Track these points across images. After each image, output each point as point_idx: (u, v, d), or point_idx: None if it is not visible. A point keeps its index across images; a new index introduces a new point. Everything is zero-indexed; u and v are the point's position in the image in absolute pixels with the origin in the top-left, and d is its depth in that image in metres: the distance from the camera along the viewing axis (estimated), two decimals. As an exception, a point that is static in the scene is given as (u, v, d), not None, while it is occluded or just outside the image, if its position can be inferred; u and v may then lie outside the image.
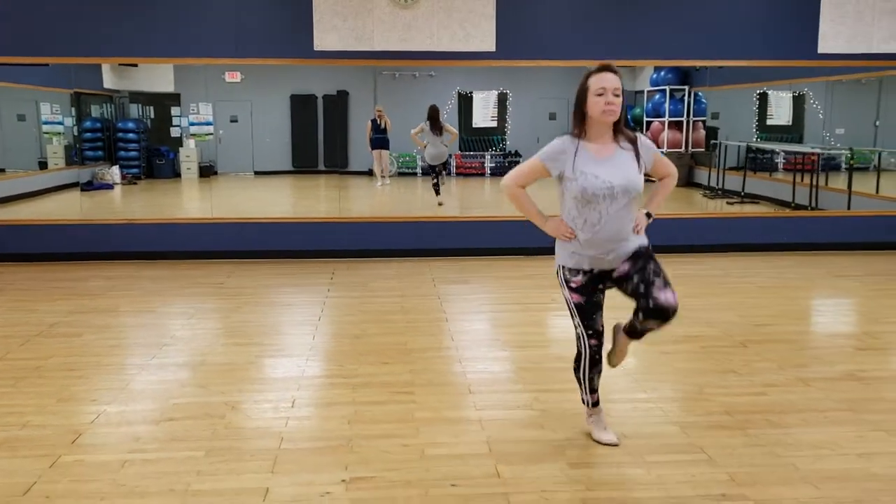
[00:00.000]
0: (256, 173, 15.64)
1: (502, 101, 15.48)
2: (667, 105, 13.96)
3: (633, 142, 3.29)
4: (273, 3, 8.02)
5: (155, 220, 8.52)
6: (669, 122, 13.89)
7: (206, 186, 14.75)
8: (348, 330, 5.54)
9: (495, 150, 15.54)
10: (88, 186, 13.65)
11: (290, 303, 6.50)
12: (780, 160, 11.59)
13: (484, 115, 15.53)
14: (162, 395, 4.18)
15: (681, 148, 13.75)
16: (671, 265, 7.64)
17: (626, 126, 3.32)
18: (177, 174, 15.37)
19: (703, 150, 13.62)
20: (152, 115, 16.00)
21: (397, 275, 7.44)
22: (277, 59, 8.11)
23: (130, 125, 15.41)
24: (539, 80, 14.09)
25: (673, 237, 8.53)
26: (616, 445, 3.53)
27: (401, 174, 13.37)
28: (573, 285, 3.38)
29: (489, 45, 8.12)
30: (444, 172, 11.89)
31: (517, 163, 16.23)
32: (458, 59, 8.16)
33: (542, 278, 7.22)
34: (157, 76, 15.11)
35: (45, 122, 13.75)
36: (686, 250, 8.50)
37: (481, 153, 15.28)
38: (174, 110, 15.71)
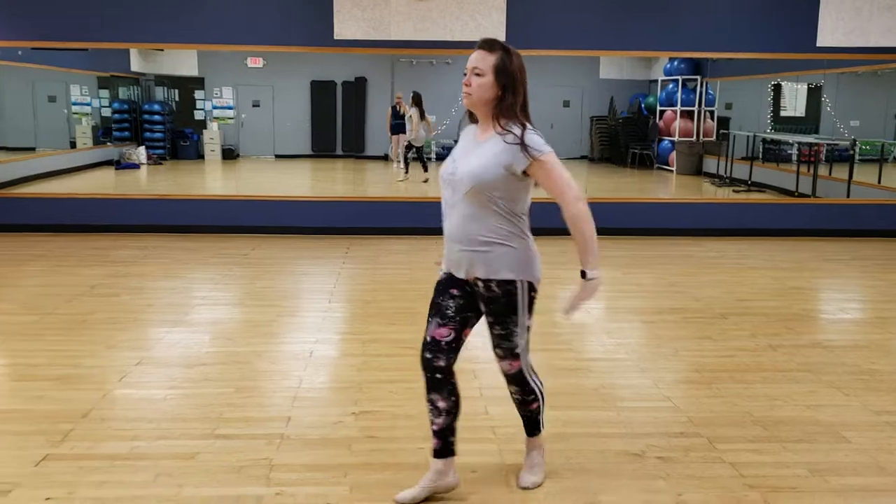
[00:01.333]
0: (277, 156, 16.14)
1: (517, 88, 15.87)
2: (679, 94, 14.34)
3: (517, 135, 2.68)
4: (296, -6, 8.52)
5: (182, 196, 9.09)
6: (682, 112, 14.27)
7: (229, 168, 15.29)
8: (360, 296, 6.07)
9: (510, 138, 15.95)
10: (116, 166, 14.25)
11: (308, 272, 7.04)
12: (793, 151, 11.92)
13: (498, 102, 15.84)
14: (194, 345, 4.72)
15: (692, 137, 14.14)
16: (672, 247, 8.18)
17: (523, 115, 2.73)
18: (200, 156, 15.90)
19: (712, 139, 14.00)
20: (177, 98, 16.52)
21: (407, 250, 7.96)
22: (298, 47, 8.62)
23: (156, 107, 15.92)
24: (553, 68, 14.43)
25: (676, 221, 9.05)
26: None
27: (415, 159, 13.87)
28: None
29: (500, 34, 8.57)
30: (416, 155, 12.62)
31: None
32: (470, 48, 8.60)
33: (547, 256, 7.68)
34: (182, 60, 15.60)
35: (75, 104, 14.34)
36: (688, 233, 8.97)
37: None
38: (198, 94, 16.24)
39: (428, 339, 2.87)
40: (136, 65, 15.33)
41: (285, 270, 7.06)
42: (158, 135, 15.73)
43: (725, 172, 12.57)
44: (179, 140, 16.05)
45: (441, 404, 2.89)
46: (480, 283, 2.80)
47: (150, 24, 8.40)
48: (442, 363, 2.85)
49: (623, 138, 15.59)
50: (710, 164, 13.41)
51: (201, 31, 8.45)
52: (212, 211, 8.85)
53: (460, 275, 2.84)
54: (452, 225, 2.81)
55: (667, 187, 13.72)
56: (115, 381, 4.05)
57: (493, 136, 2.72)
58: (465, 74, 2.72)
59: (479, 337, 4.80)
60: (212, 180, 14.52)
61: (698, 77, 14.03)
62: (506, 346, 2.87)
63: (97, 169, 13.88)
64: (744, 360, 4.66)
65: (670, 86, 14.58)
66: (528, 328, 2.90)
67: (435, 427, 2.91)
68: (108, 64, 14.79)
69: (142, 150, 14.86)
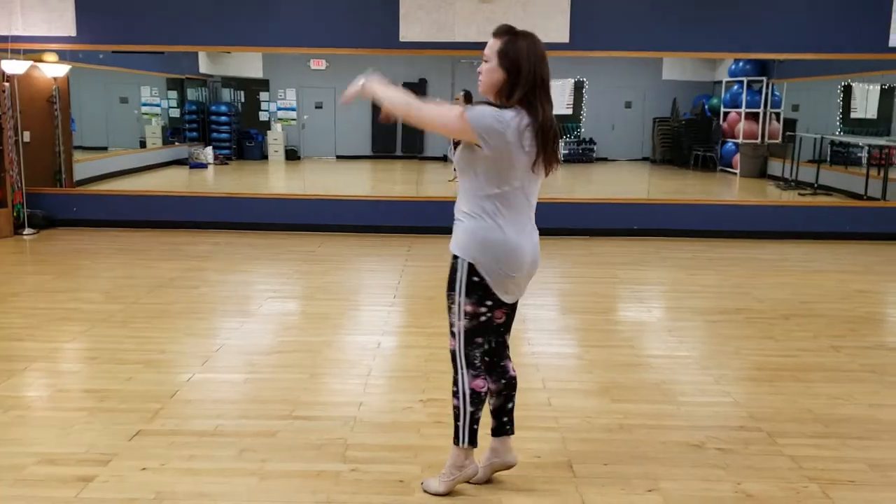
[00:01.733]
0: (338, 157, 16.45)
1: (579, 89, 15.91)
2: (744, 96, 14.21)
3: None
4: (363, -2, 8.77)
5: (252, 195, 9.42)
6: (746, 114, 14.12)
7: (292, 168, 15.65)
8: (423, 292, 6.25)
9: (570, 138, 16.01)
10: (190, 165, 14.76)
11: (374, 269, 7.26)
12: (863, 153, 11.67)
13: (559, 102, 15.90)
14: (270, 335, 4.96)
15: (756, 139, 13.99)
16: (736, 249, 8.18)
17: (537, 98, 2.67)
18: (264, 156, 16.32)
19: (777, 141, 13.83)
20: (243, 100, 16.99)
21: (470, 248, 8.10)
22: (365, 49, 8.86)
23: (223, 108, 16.40)
24: (616, 69, 14.43)
25: (739, 223, 9.04)
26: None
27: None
28: None
29: (563, 36, 8.68)
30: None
31: (592, 150, 16.47)
32: (533, 50, 8.73)
33: (606, 256, 7.79)
34: (248, 63, 16.03)
35: (144, 105, 14.89)
36: (752, 236, 8.94)
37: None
38: (263, 95, 16.67)
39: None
40: (204, 67, 15.83)
41: (351, 267, 7.29)
42: (225, 135, 16.20)
43: (791, 175, 12.40)
44: (245, 141, 16.51)
45: (492, 387, 2.99)
46: None
47: (222, 27, 8.74)
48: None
49: (686, 140, 15.49)
50: (775, 166, 13.25)
51: (272, 34, 8.75)
52: (279, 209, 9.14)
53: None
54: None
55: (730, 190, 13.60)
56: (198, 366, 4.30)
57: None
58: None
59: (541, 332, 4.93)
60: (276, 180, 14.89)
61: (764, 78, 13.87)
62: (449, 319, 2.87)
63: (167, 168, 14.38)
64: (806, 359, 4.69)
65: (735, 87, 14.45)
66: (469, 316, 2.81)
67: (490, 408, 3.03)
68: (178, 66, 15.31)
69: (209, 150, 15.33)
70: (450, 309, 2.84)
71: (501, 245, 2.75)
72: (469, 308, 2.80)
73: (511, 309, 2.99)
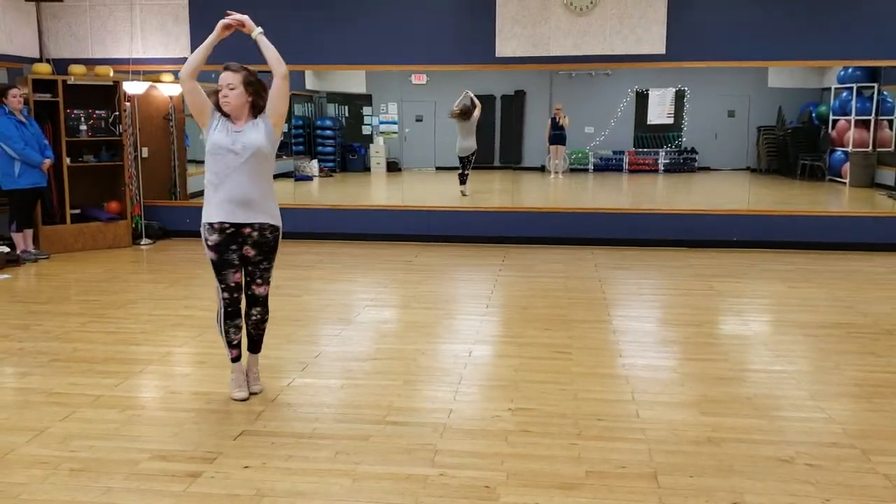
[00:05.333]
0: (438, 168, 16.71)
1: (679, 98, 15.66)
2: (853, 103, 13.67)
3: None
4: (460, 15, 8.95)
5: (353, 207, 9.75)
6: (856, 121, 13.59)
7: (393, 179, 16.01)
8: (516, 302, 6.34)
9: (670, 147, 15.77)
10: (295, 177, 15.31)
11: (468, 279, 7.40)
12: None
13: (660, 112, 15.69)
14: (366, 342, 5.17)
15: (867, 147, 13.43)
16: (841, 262, 7.93)
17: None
18: (367, 168, 16.75)
19: (889, 149, 13.24)
20: (346, 114, 17.51)
21: (562, 259, 8.16)
22: (462, 66, 9.05)
23: (328, 123, 16.96)
24: (718, 78, 14.09)
25: (845, 234, 8.73)
26: (244, 400, 4.04)
27: (572, 170, 13.98)
28: None
29: (659, 47, 8.63)
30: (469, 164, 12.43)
31: (693, 160, 16.19)
32: (629, 61, 8.74)
33: (704, 268, 7.69)
34: (352, 78, 16.51)
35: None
36: (858, 248, 8.63)
37: (655, 150, 15.50)
38: (366, 110, 17.13)
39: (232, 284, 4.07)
40: (310, 83, 16.41)
41: (446, 276, 7.46)
42: (329, 149, 16.74)
43: (904, 185, 11.86)
44: (348, 154, 17.00)
45: (235, 335, 4.10)
46: None
47: (328, 48, 9.10)
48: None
49: (792, 149, 15.00)
50: (886, 175, 12.68)
51: (375, 54, 9.07)
52: (378, 221, 9.43)
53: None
54: None
55: (838, 200, 13.10)
56: (298, 371, 4.54)
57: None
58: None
59: (633, 344, 4.95)
60: (377, 191, 15.27)
61: (875, 84, 13.31)
62: None
63: (275, 180, 14.93)
64: (910, 377, 4.54)
65: (844, 94, 13.90)
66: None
67: (231, 349, 4.12)
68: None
69: (314, 163, 15.88)
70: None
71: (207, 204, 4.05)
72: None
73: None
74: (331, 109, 17.48)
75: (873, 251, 8.56)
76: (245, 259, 3.98)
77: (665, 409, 3.99)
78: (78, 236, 8.71)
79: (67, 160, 8.57)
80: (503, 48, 8.82)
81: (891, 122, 13.39)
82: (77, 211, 8.82)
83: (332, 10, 9.08)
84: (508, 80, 15.27)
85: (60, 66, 9.17)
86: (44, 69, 8.71)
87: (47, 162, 8.07)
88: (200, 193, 11.05)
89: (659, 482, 3.18)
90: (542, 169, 15.06)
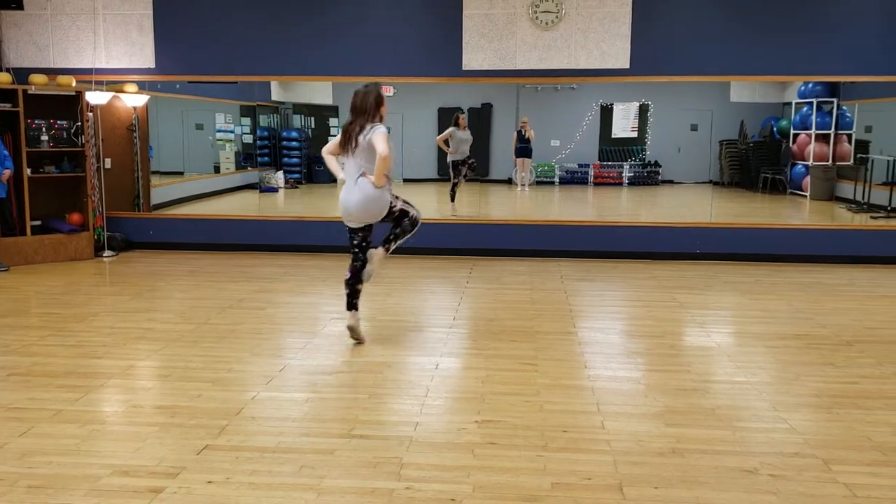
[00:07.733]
0: (405, 180, 16.70)
1: (643, 112, 15.86)
2: (813, 117, 13.94)
3: None
4: (427, 28, 8.98)
5: (319, 219, 9.69)
6: (816, 135, 13.85)
7: (359, 191, 15.89)
8: (483, 314, 6.35)
9: (634, 160, 15.94)
10: (259, 189, 15.20)
11: (435, 290, 7.40)
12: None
13: (624, 125, 15.85)
14: (332, 354, 5.14)
15: (827, 161, 13.68)
16: (802, 274, 8.08)
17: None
18: (333, 180, 16.64)
19: (849, 163, 13.51)
20: (313, 125, 17.45)
21: (529, 271, 8.19)
22: (430, 78, 9.07)
23: (294, 134, 16.87)
24: (682, 92, 14.29)
25: (806, 247, 8.90)
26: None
27: (539, 183, 14.06)
28: None
29: (623, 62, 8.74)
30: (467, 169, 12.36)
31: (657, 173, 16.38)
32: (594, 75, 8.84)
33: (667, 280, 7.77)
34: (318, 90, 16.45)
35: (219, 131, 15.45)
36: (818, 260, 8.79)
37: (620, 163, 15.66)
38: (332, 121, 17.09)
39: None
40: (276, 94, 16.33)
41: (413, 288, 7.45)
42: (295, 160, 16.66)
43: (863, 198, 12.10)
44: (315, 165, 16.93)
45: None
46: None
47: (293, 58, 9.09)
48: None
49: (754, 162, 15.26)
50: (846, 188, 12.94)
51: (341, 64, 9.05)
52: (343, 232, 9.34)
53: None
54: None
55: (799, 213, 13.33)
56: (262, 385, 4.50)
57: None
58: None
59: (598, 356, 4.99)
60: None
61: (834, 100, 13.60)
62: None
63: (239, 192, 14.85)
64: (867, 387, 4.63)
65: (804, 108, 14.19)
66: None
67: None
68: (251, 94, 15.82)
69: (280, 174, 15.78)
70: None
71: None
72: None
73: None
74: (297, 121, 17.40)
75: (833, 263, 8.73)
76: None
77: (630, 421, 4.02)
78: (39, 248, 8.56)
79: (28, 171, 8.43)
80: (470, 61, 8.87)
81: (850, 136, 13.69)
82: (38, 222, 8.68)
83: (298, 21, 9.07)
84: (475, 93, 15.34)
85: (21, 75, 9.03)
86: (4, 78, 8.56)
87: (7, 173, 7.94)
88: (165, 205, 11.01)
89: (624, 493, 3.19)
90: (509, 181, 15.13)
